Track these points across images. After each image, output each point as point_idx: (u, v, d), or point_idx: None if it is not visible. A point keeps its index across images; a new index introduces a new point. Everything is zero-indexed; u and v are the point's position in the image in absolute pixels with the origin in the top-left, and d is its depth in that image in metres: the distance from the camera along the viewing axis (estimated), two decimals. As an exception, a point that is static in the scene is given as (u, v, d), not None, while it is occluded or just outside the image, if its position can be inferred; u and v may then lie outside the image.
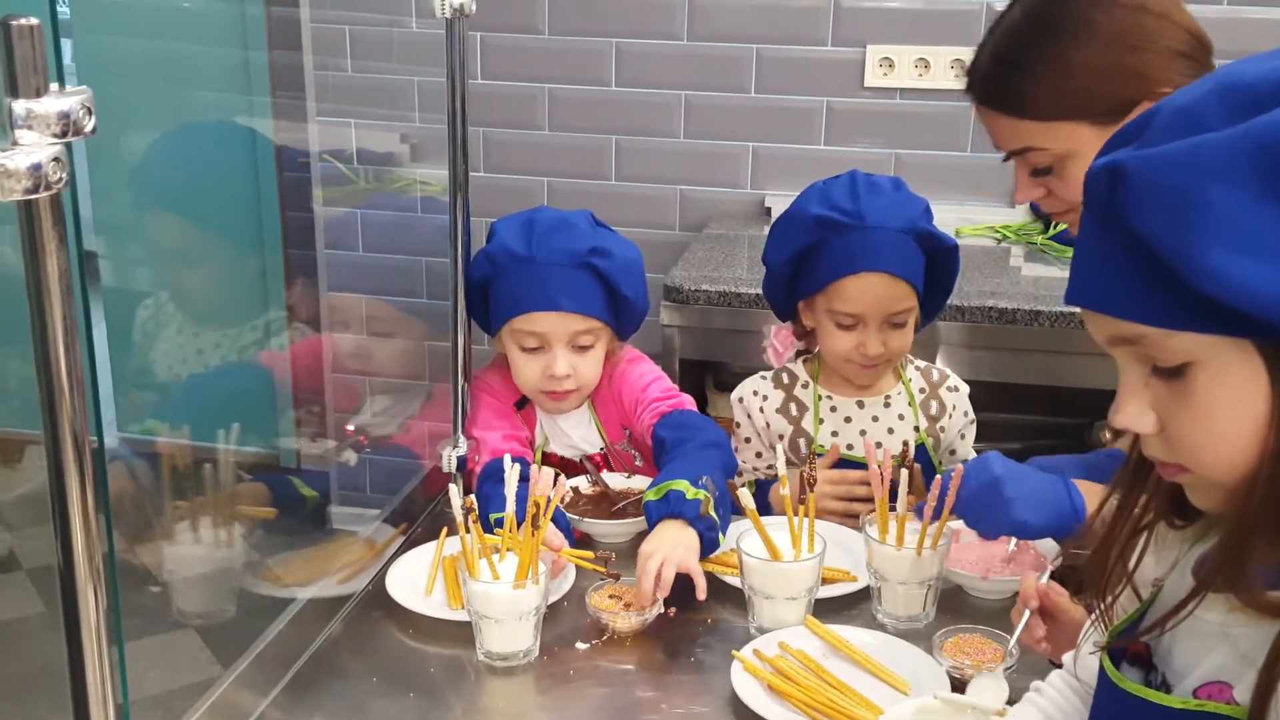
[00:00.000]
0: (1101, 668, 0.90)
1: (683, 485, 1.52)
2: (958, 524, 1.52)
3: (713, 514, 1.52)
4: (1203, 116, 0.74)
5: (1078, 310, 0.83)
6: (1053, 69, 1.32)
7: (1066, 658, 1.08)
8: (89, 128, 0.85)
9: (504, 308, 1.72)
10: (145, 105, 1.61)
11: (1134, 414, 0.80)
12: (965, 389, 1.83)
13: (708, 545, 1.51)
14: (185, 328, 1.70)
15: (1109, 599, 0.90)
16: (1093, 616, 0.92)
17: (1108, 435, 1.95)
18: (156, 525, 1.46)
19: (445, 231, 1.74)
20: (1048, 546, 1.52)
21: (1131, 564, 0.89)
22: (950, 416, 1.80)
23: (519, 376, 1.76)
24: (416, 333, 2.24)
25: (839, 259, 1.66)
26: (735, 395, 1.85)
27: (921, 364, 1.84)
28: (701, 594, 1.47)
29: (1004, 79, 1.37)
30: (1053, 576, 1.46)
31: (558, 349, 1.71)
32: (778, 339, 1.85)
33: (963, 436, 1.82)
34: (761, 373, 1.86)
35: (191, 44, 1.77)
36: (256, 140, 2.01)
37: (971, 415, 1.83)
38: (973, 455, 1.85)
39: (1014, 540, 1.53)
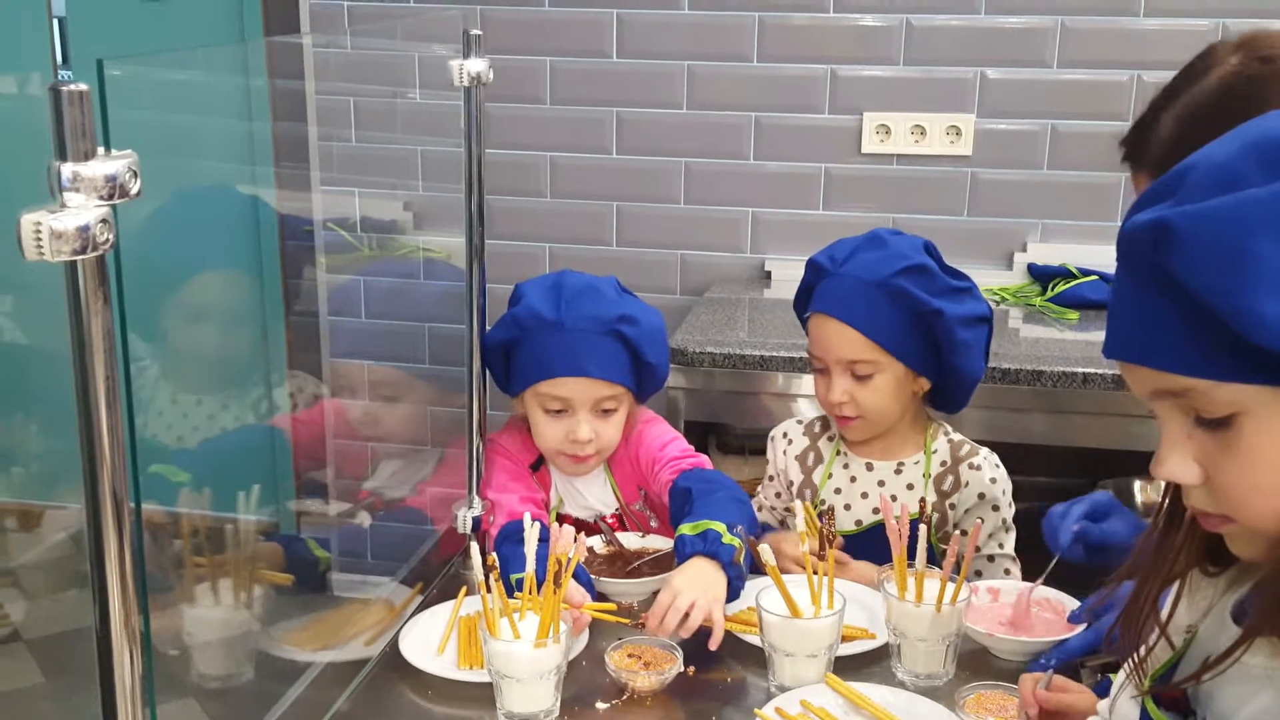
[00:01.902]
0: (1145, 713, 0.90)
1: (720, 528, 1.53)
2: (982, 581, 1.53)
3: (742, 565, 1.53)
4: (1240, 172, 0.76)
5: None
6: None
7: (1102, 706, 1.08)
8: (135, 190, 0.87)
9: (530, 370, 1.72)
10: (149, 175, 1.62)
11: (1177, 466, 0.82)
12: (990, 472, 1.74)
13: (731, 594, 1.52)
14: (188, 395, 1.71)
15: (1145, 649, 0.91)
16: (1127, 667, 0.93)
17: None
18: (176, 589, 1.45)
19: (449, 296, 1.76)
20: (1065, 599, 1.53)
21: (1165, 612, 0.90)
22: (962, 494, 1.74)
23: (540, 438, 1.77)
24: (421, 397, 2.24)
25: (808, 302, 1.75)
26: (771, 433, 1.89)
27: (956, 437, 1.79)
28: (715, 644, 1.46)
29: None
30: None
31: (581, 414, 1.72)
32: None
33: (981, 520, 1.63)
34: (799, 416, 1.91)
35: (196, 115, 1.79)
36: (259, 209, 2.03)
37: (995, 501, 1.73)
38: (999, 549, 1.75)
39: (1035, 590, 1.53)
